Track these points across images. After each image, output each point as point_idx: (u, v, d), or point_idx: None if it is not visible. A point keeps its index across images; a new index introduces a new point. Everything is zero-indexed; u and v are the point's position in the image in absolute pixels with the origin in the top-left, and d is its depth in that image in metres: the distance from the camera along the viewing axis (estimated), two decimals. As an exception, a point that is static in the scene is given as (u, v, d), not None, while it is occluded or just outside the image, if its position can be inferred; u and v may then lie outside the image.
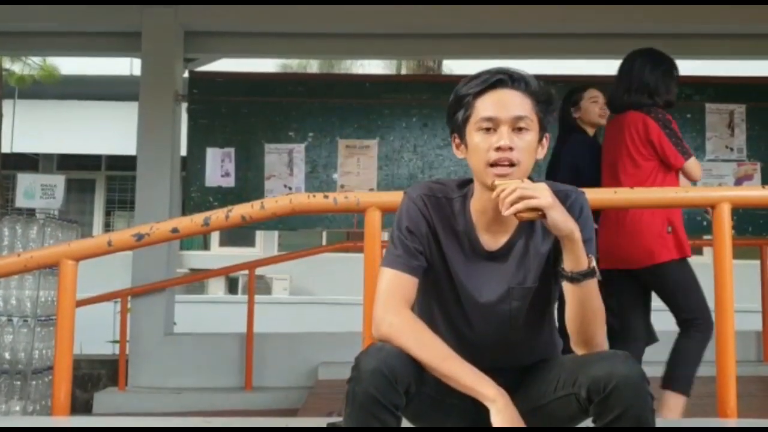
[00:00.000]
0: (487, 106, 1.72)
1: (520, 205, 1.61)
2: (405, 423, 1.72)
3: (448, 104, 1.81)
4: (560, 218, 1.64)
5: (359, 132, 5.43)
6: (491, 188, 1.68)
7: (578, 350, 1.74)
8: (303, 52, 6.48)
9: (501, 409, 1.58)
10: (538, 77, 1.78)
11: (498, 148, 1.69)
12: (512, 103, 1.71)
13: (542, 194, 1.62)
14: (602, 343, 1.72)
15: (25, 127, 9.66)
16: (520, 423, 1.59)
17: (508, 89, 1.72)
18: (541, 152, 1.78)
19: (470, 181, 1.82)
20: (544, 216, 1.63)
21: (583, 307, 1.69)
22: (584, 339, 1.72)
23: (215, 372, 5.05)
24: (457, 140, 1.81)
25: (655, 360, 5.03)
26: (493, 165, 1.70)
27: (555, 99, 1.78)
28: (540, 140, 1.76)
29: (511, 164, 1.69)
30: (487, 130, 1.71)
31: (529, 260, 1.79)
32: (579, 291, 1.68)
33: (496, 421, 1.57)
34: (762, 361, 5.33)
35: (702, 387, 4.38)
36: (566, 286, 1.70)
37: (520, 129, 1.71)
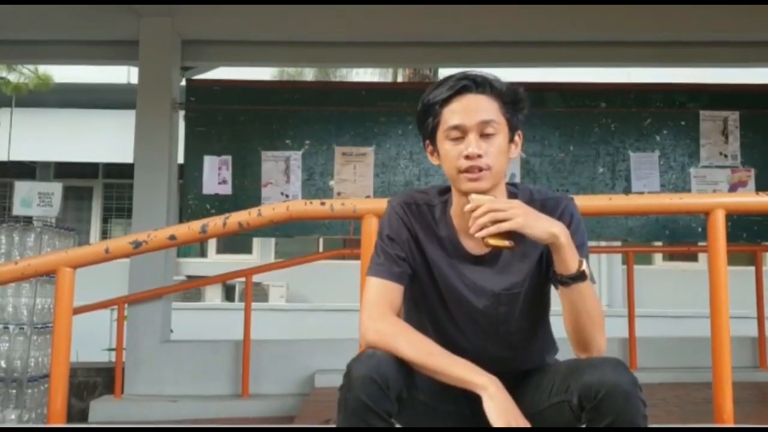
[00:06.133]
0: (453, 113, 1.72)
1: (492, 229, 1.62)
2: (400, 429, 1.71)
3: (417, 112, 1.81)
4: (537, 230, 1.64)
5: (355, 139, 5.44)
6: (467, 193, 1.70)
7: (578, 354, 1.74)
8: (299, 60, 6.49)
9: (493, 395, 1.57)
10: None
11: (467, 156, 1.70)
12: (478, 108, 1.72)
13: (514, 214, 1.62)
14: (601, 346, 1.71)
15: (22, 135, 9.63)
16: (513, 408, 1.57)
17: (474, 94, 1.73)
18: (515, 151, 1.79)
19: (451, 187, 1.83)
20: (513, 247, 1.64)
21: (576, 310, 1.69)
22: (582, 342, 1.71)
23: (212, 379, 5.04)
24: (430, 147, 1.82)
25: (648, 366, 5.09)
26: (464, 172, 1.71)
27: (523, 98, 1.77)
28: (512, 140, 1.77)
29: (482, 170, 1.70)
30: (456, 137, 1.72)
31: (516, 265, 1.79)
32: (571, 294, 1.69)
33: (489, 407, 1.56)
34: (758, 367, 5.34)
35: (698, 393, 4.41)
36: (560, 289, 1.71)
37: (488, 134, 1.71)
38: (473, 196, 1.68)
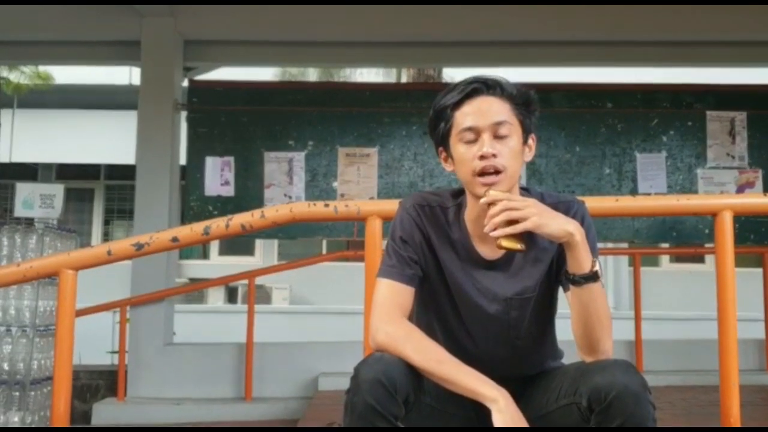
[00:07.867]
0: (466, 116, 1.72)
1: (508, 230, 1.61)
2: None
3: (428, 119, 1.80)
4: (553, 229, 1.63)
5: (359, 140, 5.42)
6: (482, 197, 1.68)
7: (584, 357, 1.72)
8: (303, 60, 6.49)
9: (502, 409, 1.56)
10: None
11: (482, 156, 1.68)
12: (490, 110, 1.71)
13: (529, 213, 1.61)
14: (608, 349, 1.70)
15: (24, 136, 9.67)
16: (522, 422, 1.57)
17: (485, 96, 1.73)
18: (529, 154, 1.79)
19: (465, 190, 1.81)
20: (524, 250, 1.64)
21: (586, 311, 1.67)
22: (589, 345, 1.70)
23: (215, 382, 5.02)
24: (444, 154, 1.81)
25: (655, 368, 5.06)
26: (480, 175, 1.69)
27: (534, 100, 1.77)
28: (525, 142, 1.77)
29: (497, 171, 1.69)
30: (469, 140, 1.71)
31: (528, 270, 1.78)
32: (582, 294, 1.67)
33: (498, 420, 1.55)
34: (765, 369, 5.31)
35: (705, 396, 4.39)
36: (570, 290, 1.69)
37: (501, 135, 1.70)
38: (491, 192, 1.66)
